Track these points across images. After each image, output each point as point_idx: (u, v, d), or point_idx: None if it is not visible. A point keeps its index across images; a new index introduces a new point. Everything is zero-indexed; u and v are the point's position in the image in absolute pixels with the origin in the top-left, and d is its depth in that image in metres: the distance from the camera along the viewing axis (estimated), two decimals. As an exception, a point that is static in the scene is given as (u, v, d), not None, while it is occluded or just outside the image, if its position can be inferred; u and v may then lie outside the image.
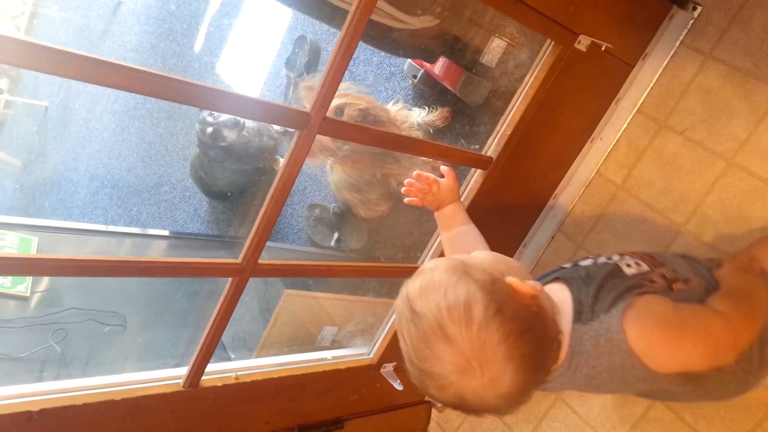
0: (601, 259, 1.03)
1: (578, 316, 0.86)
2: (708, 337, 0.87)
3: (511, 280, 0.80)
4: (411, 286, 0.82)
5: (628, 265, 0.97)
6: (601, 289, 0.88)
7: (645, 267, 0.98)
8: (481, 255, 0.92)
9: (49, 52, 0.74)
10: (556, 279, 0.95)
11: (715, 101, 1.47)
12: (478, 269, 0.81)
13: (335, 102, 1.84)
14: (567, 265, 1.06)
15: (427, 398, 1.93)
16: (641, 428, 1.55)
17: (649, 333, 0.83)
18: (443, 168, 1.28)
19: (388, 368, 1.66)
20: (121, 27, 3.70)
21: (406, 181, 1.23)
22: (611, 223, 1.63)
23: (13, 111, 4.50)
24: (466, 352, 0.75)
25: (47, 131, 4.09)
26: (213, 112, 2.45)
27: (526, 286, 0.80)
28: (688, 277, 1.00)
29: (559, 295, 0.91)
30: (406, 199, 1.25)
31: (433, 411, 1.95)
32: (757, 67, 1.41)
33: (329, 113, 1.83)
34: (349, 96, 1.85)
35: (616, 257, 1.02)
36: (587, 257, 1.07)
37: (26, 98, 4.42)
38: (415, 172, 1.25)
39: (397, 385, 1.64)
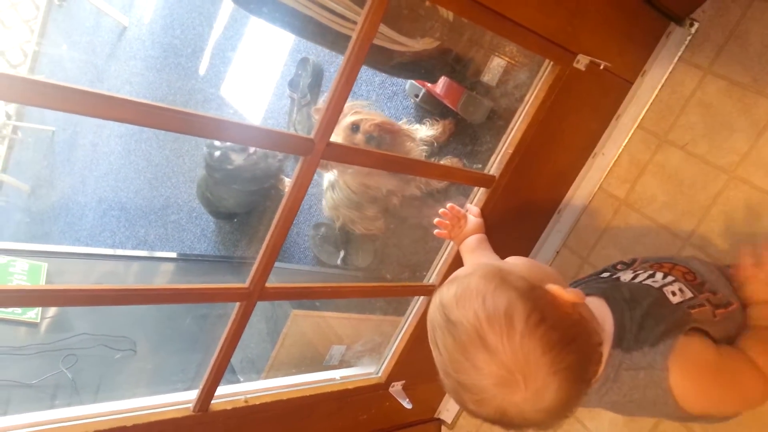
0: (643, 277, 0.99)
1: (619, 342, 0.84)
2: (743, 394, 0.87)
3: (552, 287, 0.77)
4: (445, 294, 0.79)
5: (673, 293, 0.93)
6: (647, 318, 0.85)
7: (689, 293, 0.94)
8: (516, 261, 0.88)
9: (50, 89, 0.76)
10: (596, 294, 0.92)
11: (715, 116, 1.48)
12: (515, 276, 0.77)
13: (351, 119, 1.87)
14: (604, 275, 1.06)
15: (437, 417, 1.93)
16: (651, 443, 1.55)
17: (690, 379, 0.82)
18: (469, 206, 1.34)
19: (396, 387, 1.66)
20: (126, 52, 3.75)
21: (440, 211, 1.27)
22: (615, 237, 1.64)
23: (20, 136, 4.55)
24: (508, 364, 0.71)
25: (54, 155, 4.14)
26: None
27: (568, 293, 0.76)
28: (729, 301, 0.98)
29: (600, 311, 0.88)
30: (435, 231, 1.28)
31: (444, 429, 1.94)
32: (756, 81, 1.42)
33: (345, 130, 1.87)
34: (363, 112, 1.88)
35: (659, 277, 0.98)
36: (626, 268, 1.05)
37: (33, 123, 4.48)
38: (448, 204, 1.29)
39: (406, 404, 1.64)
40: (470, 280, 0.78)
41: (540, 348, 0.70)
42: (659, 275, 0.99)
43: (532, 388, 0.71)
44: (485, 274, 0.78)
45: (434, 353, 0.79)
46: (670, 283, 0.95)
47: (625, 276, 1.02)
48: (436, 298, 0.81)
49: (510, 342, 0.71)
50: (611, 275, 1.06)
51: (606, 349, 0.83)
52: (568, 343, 0.73)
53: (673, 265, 1.03)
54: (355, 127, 1.83)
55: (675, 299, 0.91)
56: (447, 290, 0.79)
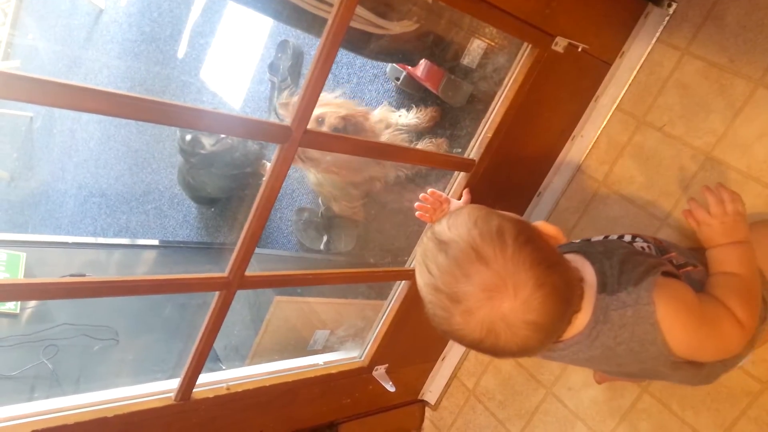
0: (613, 237, 1.07)
1: (603, 287, 0.88)
2: (722, 337, 0.90)
3: (537, 222, 0.85)
4: (437, 226, 0.84)
5: (642, 248, 1.00)
6: (626, 263, 0.90)
7: (654, 252, 1.01)
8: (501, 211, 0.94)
9: (22, 81, 0.74)
10: (574, 252, 0.98)
11: (693, 97, 1.49)
12: (504, 213, 0.84)
13: (316, 111, 1.85)
14: (576, 241, 1.10)
15: (421, 399, 1.95)
16: (630, 419, 1.57)
17: (675, 314, 0.86)
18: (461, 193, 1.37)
19: (380, 370, 1.67)
20: (104, 35, 3.68)
21: (421, 196, 1.27)
22: (595, 219, 1.65)
23: (-3, 122, 4.46)
24: (501, 272, 0.75)
25: (33, 142, 4.07)
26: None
27: (549, 227, 0.84)
28: (695, 263, 1.04)
29: (579, 264, 0.93)
30: (417, 213, 1.28)
31: (427, 410, 1.97)
32: (733, 62, 1.43)
33: (311, 123, 1.84)
34: (329, 104, 1.86)
35: (627, 237, 1.05)
36: (596, 237, 1.11)
37: (10, 109, 4.38)
38: (429, 190, 1.29)
39: (390, 387, 1.66)
40: (460, 212, 0.84)
41: (528, 262, 0.75)
42: (627, 236, 1.06)
43: (521, 296, 0.74)
44: (474, 207, 0.84)
45: (423, 278, 0.82)
46: (639, 241, 1.03)
47: (596, 237, 1.10)
48: (427, 233, 0.86)
49: (503, 254, 0.76)
50: (582, 239, 1.12)
51: (590, 296, 0.88)
52: (551, 265, 0.78)
53: (637, 234, 1.09)
54: (320, 120, 1.82)
55: (645, 252, 0.99)
56: (438, 224, 0.85)
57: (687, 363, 0.92)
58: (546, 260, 0.77)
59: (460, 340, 0.80)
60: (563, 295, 0.79)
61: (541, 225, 0.84)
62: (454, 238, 0.79)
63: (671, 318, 0.85)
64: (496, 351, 0.78)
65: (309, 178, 2.20)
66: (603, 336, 0.87)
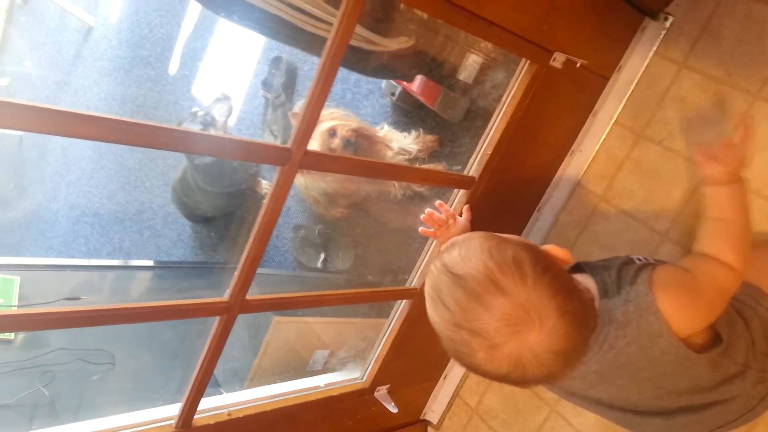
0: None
1: (604, 294, 0.90)
2: (718, 288, 0.92)
3: (547, 246, 0.85)
4: (447, 257, 0.82)
5: (639, 259, 1.02)
6: (622, 270, 0.92)
7: (651, 261, 1.03)
8: (506, 234, 0.93)
9: (6, 108, 0.72)
10: (575, 269, 0.99)
11: (691, 110, 1.49)
12: (512, 238, 0.84)
13: (327, 124, 1.85)
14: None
15: (423, 418, 1.92)
16: (636, 436, 1.56)
17: (677, 298, 0.87)
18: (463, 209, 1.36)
19: (382, 391, 1.65)
20: (93, 52, 3.66)
21: (426, 211, 1.25)
22: (595, 234, 1.64)
23: (-14, 142, 4.41)
24: (524, 304, 0.73)
25: (23, 161, 4.04)
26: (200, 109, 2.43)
27: (561, 251, 0.84)
28: None
29: (583, 280, 0.94)
30: (420, 229, 1.26)
31: (430, 429, 1.94)
32: (730, 75, 1.43)
33: (322, 135, 1.84)
34: (338, 117, 1.86)
35: (622, 256, 1.07)
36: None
37: None
38: (437, 202, 1.27)
39: (392, 408, 1.64)
40: (471, 242, 0.82)
41: (550, 291, 0.75)
42: (622, 256, 1.07)
43: (547, 327, 0.73)
44: (484, 235, 0.83)
45: (439, 314, 0.80)
46: (633, 257, 1.05)
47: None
48: (436, 264, 0.84)
49: (523, 284, 0.75)
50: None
51: (596, 307, 0.89)
52: (570, 291, 0.78)
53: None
54: (332, 132, 1.81)
55: (640, 262, 1.00)
56: (448, 254, 0.83)
57: (709, 362, 0.90)
58: (565, 287, 0.77)
59: (484, 375, 0.78)
60: (582, 320, 0.79)
61: (551, 248, 0.84)
62: (470, 272, 0.77)
63: (674, 306, 0.86)
64: (523, 382, 0.77)
65: (298, 182, 2.17)
66: (610, 337, 0.87)
